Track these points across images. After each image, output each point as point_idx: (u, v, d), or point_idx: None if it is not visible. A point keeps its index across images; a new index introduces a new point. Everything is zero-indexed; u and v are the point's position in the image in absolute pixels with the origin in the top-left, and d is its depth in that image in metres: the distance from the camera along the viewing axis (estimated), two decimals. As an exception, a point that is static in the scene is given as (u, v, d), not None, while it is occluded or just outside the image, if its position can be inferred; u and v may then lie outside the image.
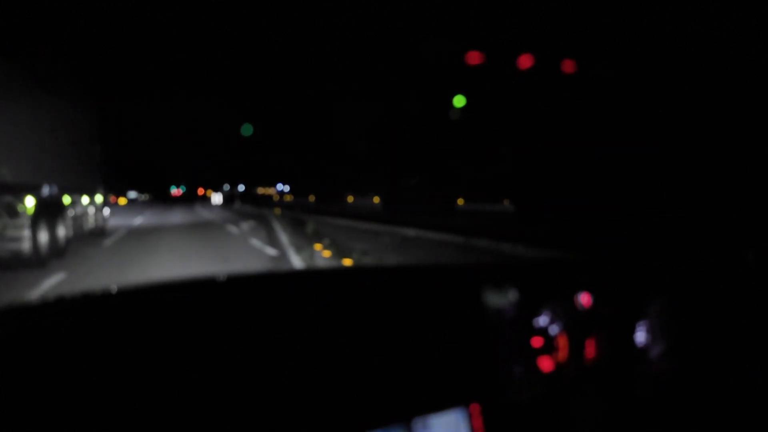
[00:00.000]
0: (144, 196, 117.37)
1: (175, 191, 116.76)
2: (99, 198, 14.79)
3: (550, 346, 1.16)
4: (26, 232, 8.90)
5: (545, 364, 1.14)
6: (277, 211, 33.37)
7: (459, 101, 13.51)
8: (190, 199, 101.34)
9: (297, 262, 10.39)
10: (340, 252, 11.16)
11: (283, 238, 15.02)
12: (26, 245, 8.91)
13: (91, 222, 13.93)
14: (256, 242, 14.19)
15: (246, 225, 21.56)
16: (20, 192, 9.04)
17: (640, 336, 1.22)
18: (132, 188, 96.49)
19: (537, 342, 1.15)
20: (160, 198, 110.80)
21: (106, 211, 16.39)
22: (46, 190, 10.08)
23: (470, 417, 1.01)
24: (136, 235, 17.23)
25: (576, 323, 1.18)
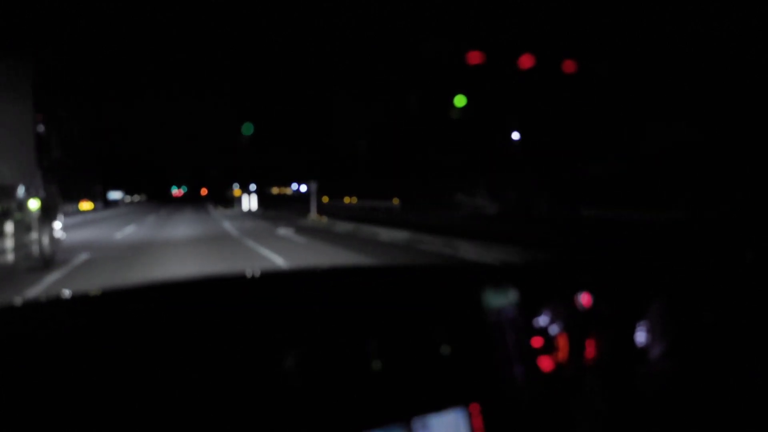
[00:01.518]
0: (135, 197, 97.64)
1: (176, 191, 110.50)
2: (34, 204, 8.81)
3: (550, 346, 1.16)
4: None
5: (545, 364, 1.14)
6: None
7: (460, 101, 13.50)
8: (193, 200, 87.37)
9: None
10: None
11: None
12: None
13: (8, 250, 7.81)
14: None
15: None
16: None
17: (640, 336, 1.22)
18: (116, 187, 73.36)
19: (537, 342, 1.15)
20: (158, 198, 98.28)
21: (57, 225, 9.98)
22: None
23: (470, 417, 1.02)
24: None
25: (576, 323, 1.18)
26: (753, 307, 1.32)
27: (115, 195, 71.69)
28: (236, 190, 42.92)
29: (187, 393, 0.83)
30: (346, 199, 46.36)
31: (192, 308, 1.00)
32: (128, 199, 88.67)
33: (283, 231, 18.08)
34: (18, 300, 0.93)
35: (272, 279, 1.25)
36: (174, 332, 0.91)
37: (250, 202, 43.18)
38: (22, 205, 8.41)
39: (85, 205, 43.20)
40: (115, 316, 0.94)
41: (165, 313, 0.97)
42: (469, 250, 11.15)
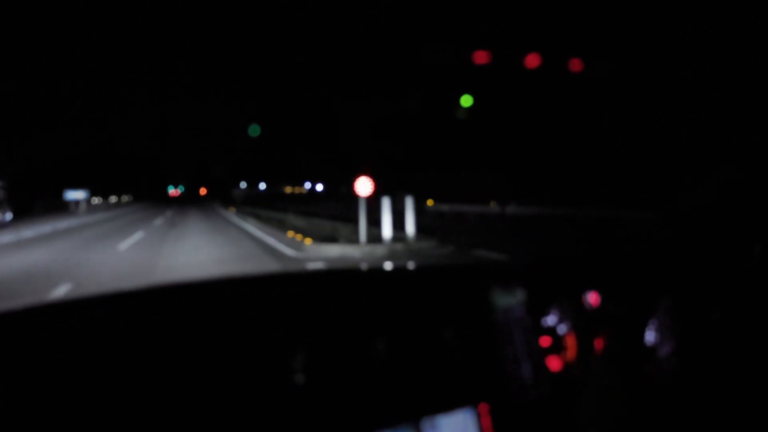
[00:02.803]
0: (112, 198, 78.25)
1: (173, 191, 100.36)
2: None
3: (558, 346, 1.16)
4: None
5: (553, 363, 1.14)
6: None
7: (466, 101, 13.44)
8: (193, 201, 68.24)
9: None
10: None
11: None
12: None
13: None
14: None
15: None
16: None
17: (649, 335, 1.22)
18: (75, 186, 52.41)
19: (545, 341, 1.15)
20: (150, 199, 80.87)
21: None
22: None
23: (479, 417, 1.02)
24: None
25: (584, 322, 1.18)
26: (761, 305, 1.31)
27: (74, 195, 51.75)
28: (359, 181, 12.47)
29: (196, 394, 0.84)
30: (492, 203, 24.69)
31: (198, 309, 1.00)
32: (96, 201, 64.71)
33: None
34: (23, 304, 0.93)
35: (281, 280, 1.26)
36: (181, 333, 0.91)
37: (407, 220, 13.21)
38: None
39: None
40: (127, 318, 0.94)
41: (177, 314, 0.97)
42: None
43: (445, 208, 25.79)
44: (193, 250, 13.13)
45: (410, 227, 13.18)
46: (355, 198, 13.12)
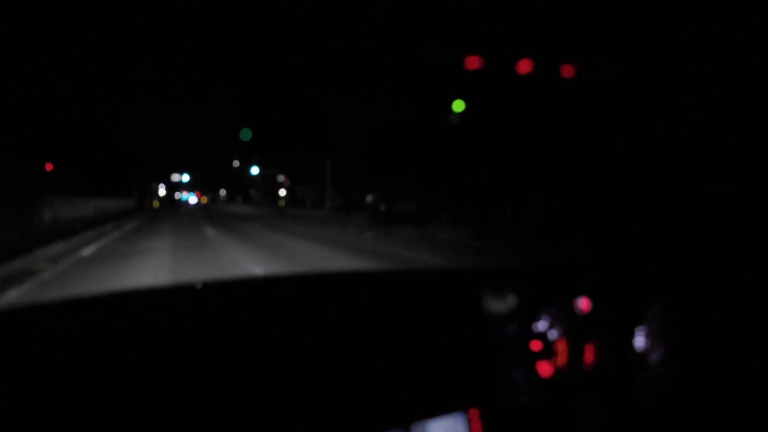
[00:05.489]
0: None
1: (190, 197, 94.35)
2: None
3: (549, 351, 1.16)
4: None
5: (544, 368, 1.14)
6: None
7: (458, 106, 13.42)
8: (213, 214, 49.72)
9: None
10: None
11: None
12: None
13: None
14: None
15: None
16: None
17: (640, 341, 1.22)
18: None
19: (536, 346, 1.15)
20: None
21: None
22: None
23: (469, 422, 1.01)
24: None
25: (575, 328, 1.18)
26: (752, 309, 1.31)
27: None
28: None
29: (189, 395, 0.83)
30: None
31: (194, 310, 1.00)
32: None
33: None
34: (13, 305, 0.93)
35: (273, 284, 1.25)
36: (175, 335, 0.91)
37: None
38: None
39: None
40: (121, 318, 0.94)
41: (175, 316, 0.97)
42: None
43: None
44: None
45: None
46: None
